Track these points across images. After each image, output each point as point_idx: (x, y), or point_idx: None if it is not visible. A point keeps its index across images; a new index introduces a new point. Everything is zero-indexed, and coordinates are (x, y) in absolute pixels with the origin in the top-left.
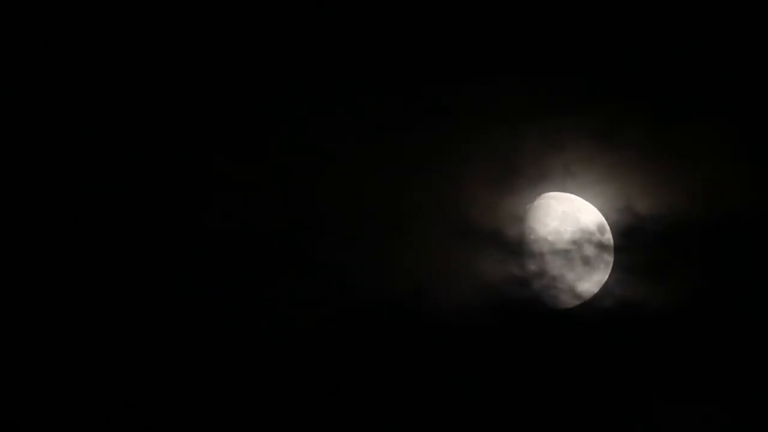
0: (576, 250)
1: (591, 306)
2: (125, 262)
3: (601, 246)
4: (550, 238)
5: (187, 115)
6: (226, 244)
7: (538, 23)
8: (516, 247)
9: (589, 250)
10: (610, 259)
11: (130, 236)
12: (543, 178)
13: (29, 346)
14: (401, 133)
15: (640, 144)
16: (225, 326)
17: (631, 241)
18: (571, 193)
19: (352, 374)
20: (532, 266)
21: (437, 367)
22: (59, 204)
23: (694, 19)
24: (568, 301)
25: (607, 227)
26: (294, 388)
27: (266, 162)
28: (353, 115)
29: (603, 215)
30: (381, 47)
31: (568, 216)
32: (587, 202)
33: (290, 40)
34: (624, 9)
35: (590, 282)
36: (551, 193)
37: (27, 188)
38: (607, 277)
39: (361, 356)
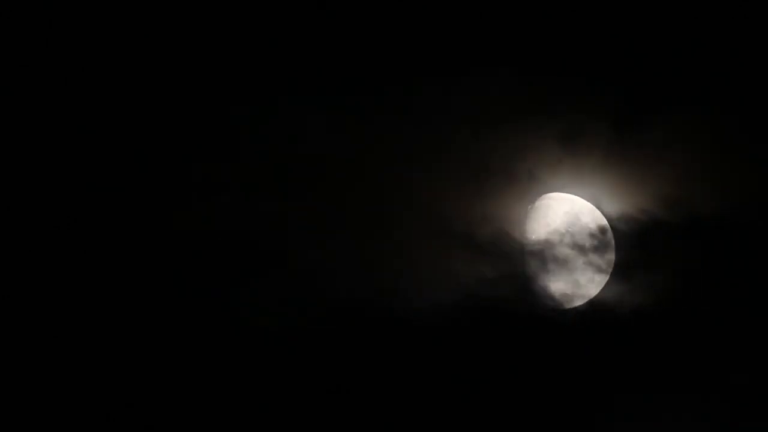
0: (567, 252)
1: (566, 306)
2: (101, 264)
3: (592, 248)
4: (543, 238)
5: (165, 115)
6: (203, 244)
7: (510, 26)
8: (498, 247)
9: (584, 252)
10: (599, 260)
11: (105, 238)
12: (547, 177)
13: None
14: (380, 135)
15: (605, 144)
16: (202, 327)
17: (602, 242)
18: (571, 193)
19: (327, 375)
20: (510, 267)
21: (414, 367)
22: (36, 203)
23: (658, 20)
24: (549, 303)
25: (608, 228)
26: (269, 389)
27: (244, 163)
28: (330, 117)
29: (605, 217)
30: (360, 50)
31: (568, 217)
32: (588, 203)
33: (272, 42)
34: (589, 11)
35: (573, 283)
36: (552, 194)
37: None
38: (590, 278)
39: (336, 357)
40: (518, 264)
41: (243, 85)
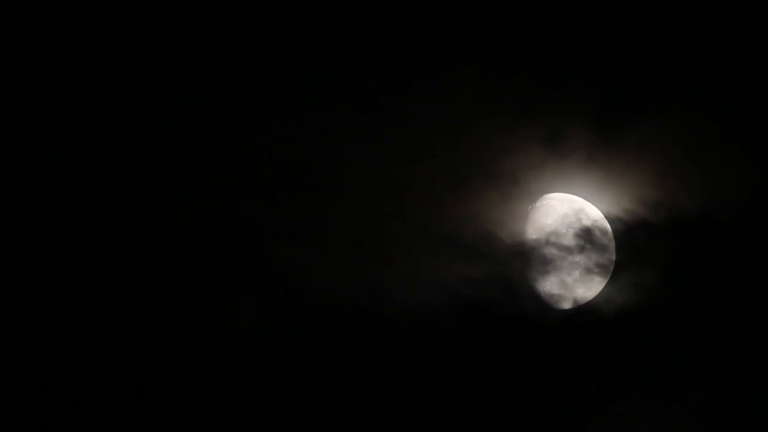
0: (556, 253)
1: (554, 307)
2: (80, 264)
3: (590, 248)
4: (533, 239)
5: (147, 116)
6: (186, 246)
7: (489, 29)
8: (486, 249)
9: (573, 253)
10: (595, 261)
11: (84, 238)
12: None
13: None
14: (367, 136)
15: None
16: (189, 327)
17: (591, 242)
18: (572, 194)
19: (314, 376)
20: (498, 268)
21: (403, 367)
22: (13, 202)
23: (636, 21)
24: (538, 303)
25: (608, 228)
26: (256, 390)
27: (227, 164)
28: (316, 118)
29: (605, 216)
30: (345, 53)
31: (560, 218)
32: (579, 205)
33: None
34: (568, 13)
35: (561, 284)
36: (553, 194)
37: None
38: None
39: (324, 358)
40: (506, 265)
41: (227, 87)
